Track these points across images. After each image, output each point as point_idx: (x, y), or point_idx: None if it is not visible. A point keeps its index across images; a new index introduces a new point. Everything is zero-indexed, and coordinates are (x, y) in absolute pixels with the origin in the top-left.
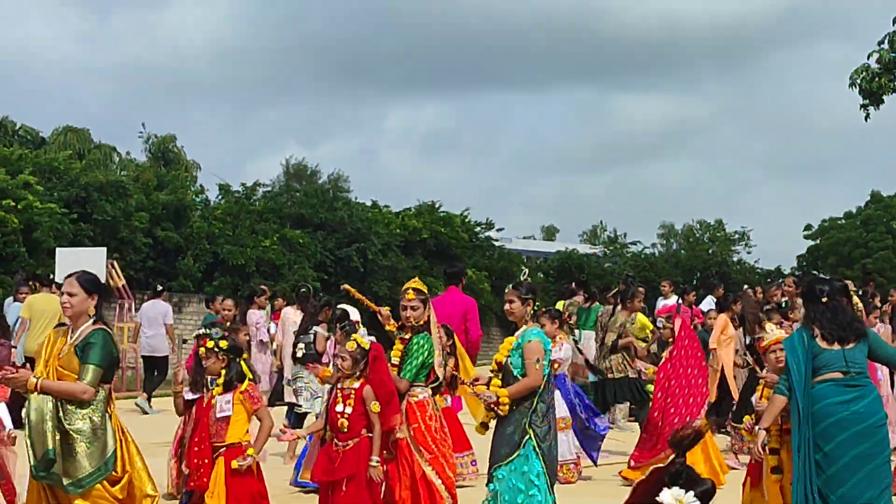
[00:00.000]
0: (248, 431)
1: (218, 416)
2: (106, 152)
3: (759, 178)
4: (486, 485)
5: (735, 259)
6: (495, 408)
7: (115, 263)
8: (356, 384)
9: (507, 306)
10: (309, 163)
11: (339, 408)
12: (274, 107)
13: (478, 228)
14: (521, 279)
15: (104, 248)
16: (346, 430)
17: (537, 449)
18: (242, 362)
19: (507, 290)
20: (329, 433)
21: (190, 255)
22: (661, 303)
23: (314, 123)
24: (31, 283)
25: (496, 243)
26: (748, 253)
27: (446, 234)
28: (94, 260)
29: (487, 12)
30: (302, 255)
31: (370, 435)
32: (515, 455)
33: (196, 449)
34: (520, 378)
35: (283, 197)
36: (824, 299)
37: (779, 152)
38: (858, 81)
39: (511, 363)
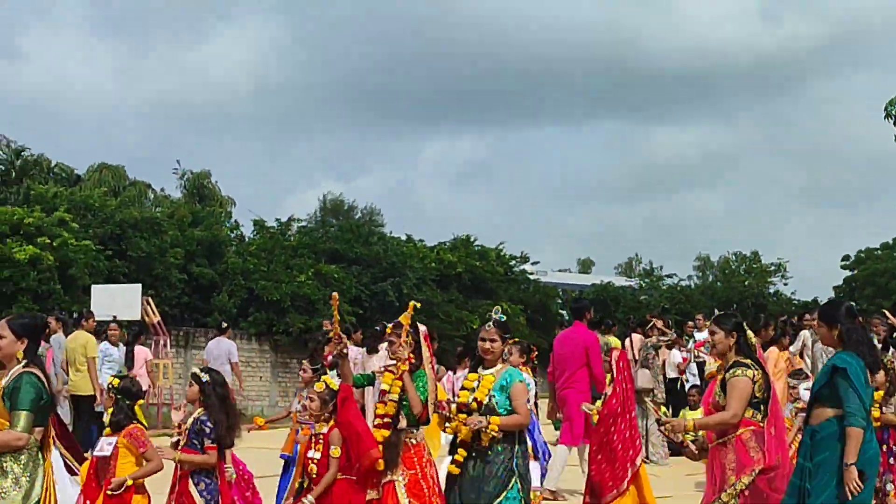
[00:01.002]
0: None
1: (96, 453)
2: (141, 189)
3: (796, 209)
4: None
5: (772, 290)
6: (482, 432)
7: (151, 300)
8: (324, 429)
9: (487, 345)
10: (346, 198)
11: (311, 453)
12: (309, 142)
13: (513, 262)
14: (495, 317)
15: (139, 285)
16: (315, 475)
17: (521, 491)
18: (137, 407)
19: (486, 328)
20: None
21: (225, 290)
22: (697, 336)
23: (349, 158)
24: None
25: (531, 276)
26: (785, 284)
27: (481, 268)
28: (129, 296)
29: (522, 46)
30: (337, 290)
31: (345, 476)
32: (503, 496)
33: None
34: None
35: (317, 232)
36: (861, 319)
37: (815, 183)
38: (893, 112)
39: (496, 402)
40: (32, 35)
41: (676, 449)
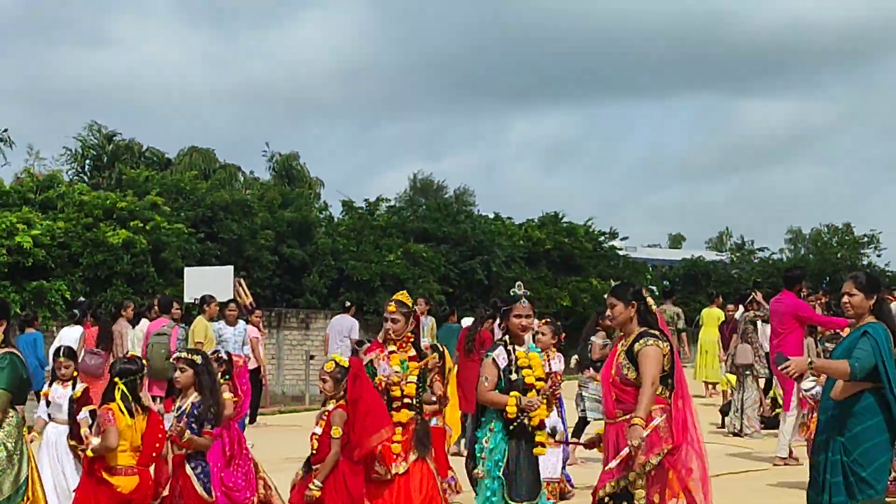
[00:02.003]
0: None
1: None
2: (231, 172)
3: (887, 180)
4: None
5: (865, 262)
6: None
7: (243, 281)
8: (331, 406)
9: (524, 321)
10: (435, 177)
11: (315, 429)
12: (397, 123)
13: (601, 238)
14: (519, 293)
15: (231, 267)
16: (314, 451)
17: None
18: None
19: (521, 304)
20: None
21: (315, 271)
22: None
23: (437, 138)
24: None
25: (620, 252)
26: (878, 256)
27: (570, 245)
28: (221, 278)
29: (611, 21)
30: (426, 269)
31: (344, 458)
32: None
33: None
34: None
35: (406, 211)
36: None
37: None
38: None
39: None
40: (123, 22)
41: (770, 422)
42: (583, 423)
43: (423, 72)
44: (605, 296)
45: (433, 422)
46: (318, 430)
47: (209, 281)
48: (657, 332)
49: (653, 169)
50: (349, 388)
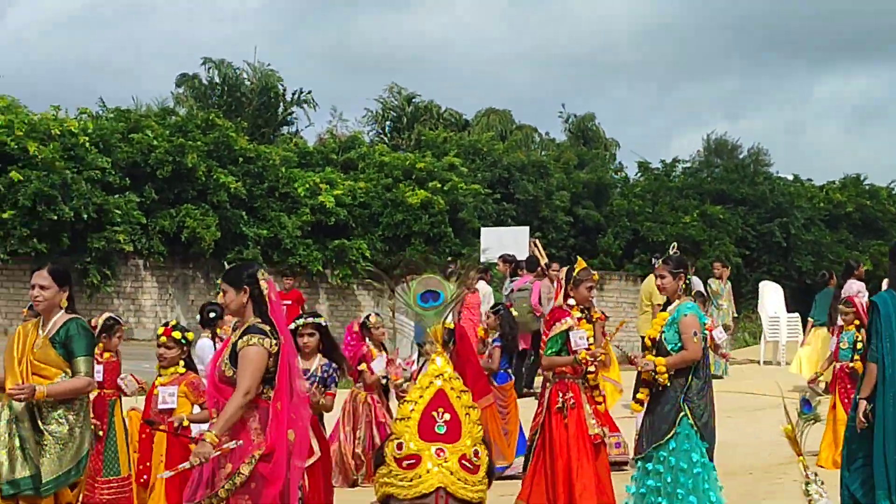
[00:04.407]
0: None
1: (161, 407)
2: (527, 133)
3: None
4: (641, 464)
5: None
6: (655, 377)
7: (538, 242)
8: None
9: (657, 282)
10: (730, 137)
11: None
12: (697, 82)
13: None
14: (670, 253)
15: (526, 227)
16: None
17: (695, 426)
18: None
19: (656, 265)
20: None
21: (610, 232)
22: None
23: (738, 98)
24: None
25: None
26: None
27: (872, 208)
28: (517, 239)
29: None
30: (723, 231)
31: None
32: (672, 434)
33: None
34: (675, 353)
35: (702, 173)
36: None
37: None
38: None
39: (665, 338)
40: None
41: None
42: None
43: (724, 31)
44: (219, 280)
45: None
46: None
47: (505, 241)
48: (266, 329)
49: None
50: (457, 349)
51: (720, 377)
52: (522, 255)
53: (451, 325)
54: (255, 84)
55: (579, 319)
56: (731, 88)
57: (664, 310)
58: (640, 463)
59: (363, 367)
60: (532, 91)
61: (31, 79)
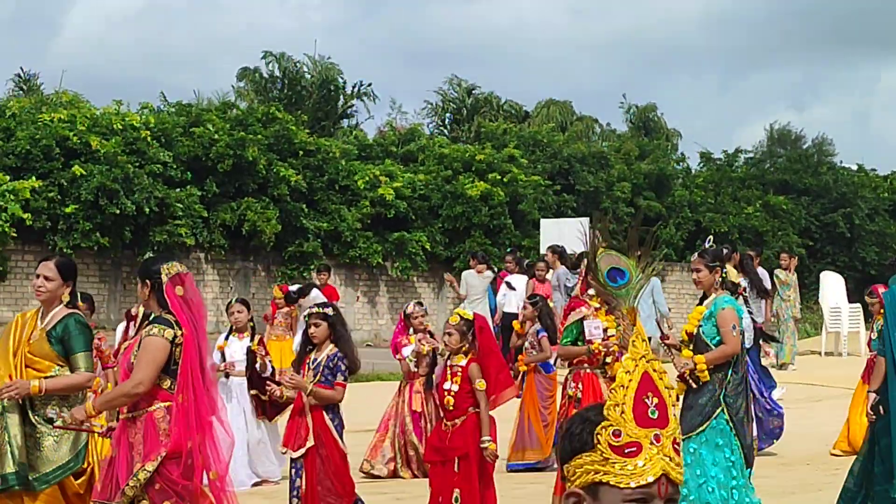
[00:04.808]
0: None
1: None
2: (588, 124)
3: None
4: None
5: None
6: (695, 375)
7: (599, 233)
8: (463, 361)
9: (693, 275)
10: (794, 127)
11: (447, 385)
12: (762, 72)
13: None
14: (706, 246)
15: (587, 219)
16: (451, 407)
17: (730, 422)
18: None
19: (692, 259)
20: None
21: (672, 223)
22: None
23: (804, 87)
24: None
25: None
26: None
27: None
28: (576, 230)
29: None
30: (786, 222)
31: (477, 411)
32: (706, 426)
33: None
34: (713, 347)
35: (765, 163)
36: None
37: None
38: None
39: (703, 332)
40: None
41: None
42: None
43: (793, 19)
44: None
45: None
46: (454, 387)
47: (564, 233)
48: (171, 319)
49: None
50: (479, 341)
51: (783, 368)
52: (582, 248)
53: (470, 316)
54: (315, 77)
55: (597, 310)
56: (796, 78)
57: (701, 304)
58: None
59: (399, 355)
60: (593, 82)
61: (94, 74)
